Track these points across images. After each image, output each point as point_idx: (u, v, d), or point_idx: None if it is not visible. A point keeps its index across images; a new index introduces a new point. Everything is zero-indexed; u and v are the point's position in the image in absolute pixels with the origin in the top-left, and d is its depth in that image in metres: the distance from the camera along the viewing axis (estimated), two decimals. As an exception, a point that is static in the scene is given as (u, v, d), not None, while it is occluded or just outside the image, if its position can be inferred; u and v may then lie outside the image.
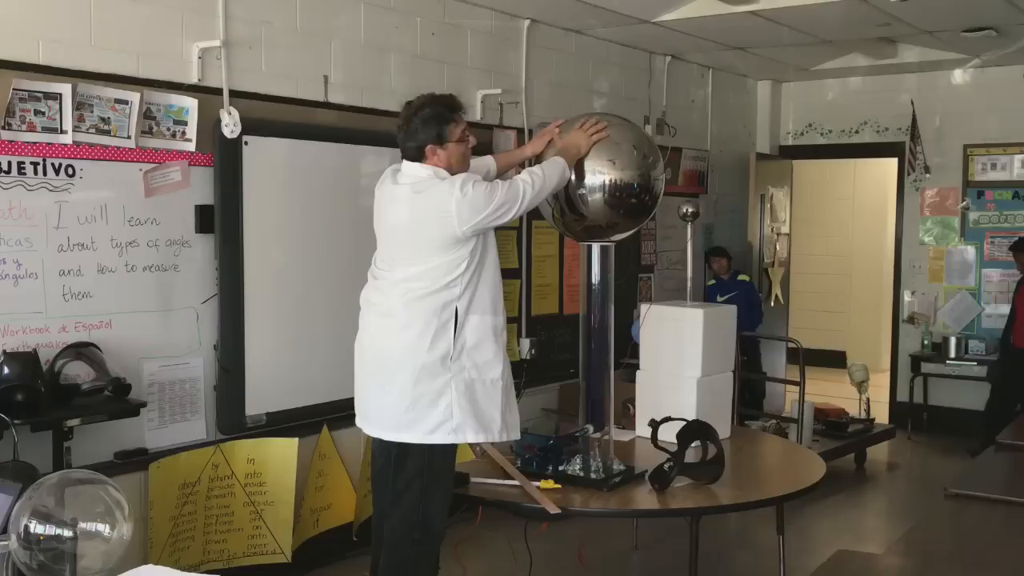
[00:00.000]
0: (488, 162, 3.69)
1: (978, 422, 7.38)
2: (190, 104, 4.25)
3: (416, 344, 3.28)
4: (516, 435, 3.51)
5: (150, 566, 2.29)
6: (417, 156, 3.36)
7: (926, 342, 8.13)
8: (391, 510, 3.38)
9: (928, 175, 8.17)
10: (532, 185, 3.38)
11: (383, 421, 3.38)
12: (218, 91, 4.36)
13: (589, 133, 3.59)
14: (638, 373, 4.38)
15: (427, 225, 3.28)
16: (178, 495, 4.18)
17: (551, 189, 3.48)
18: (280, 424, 4.59)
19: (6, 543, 2.49)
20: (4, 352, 3.64)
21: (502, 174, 3.68)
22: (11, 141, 3.71)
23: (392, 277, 3.37)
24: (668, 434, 3.65)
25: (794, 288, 9.27)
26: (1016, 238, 7.38)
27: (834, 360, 10.12)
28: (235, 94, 4.42)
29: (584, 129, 3.60)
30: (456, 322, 3.28)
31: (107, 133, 3.98)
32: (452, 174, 3.34)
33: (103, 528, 2.49)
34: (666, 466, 3.53)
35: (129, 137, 4.05)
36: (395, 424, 3.33)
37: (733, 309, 4.56)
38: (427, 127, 3.32)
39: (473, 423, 3.32)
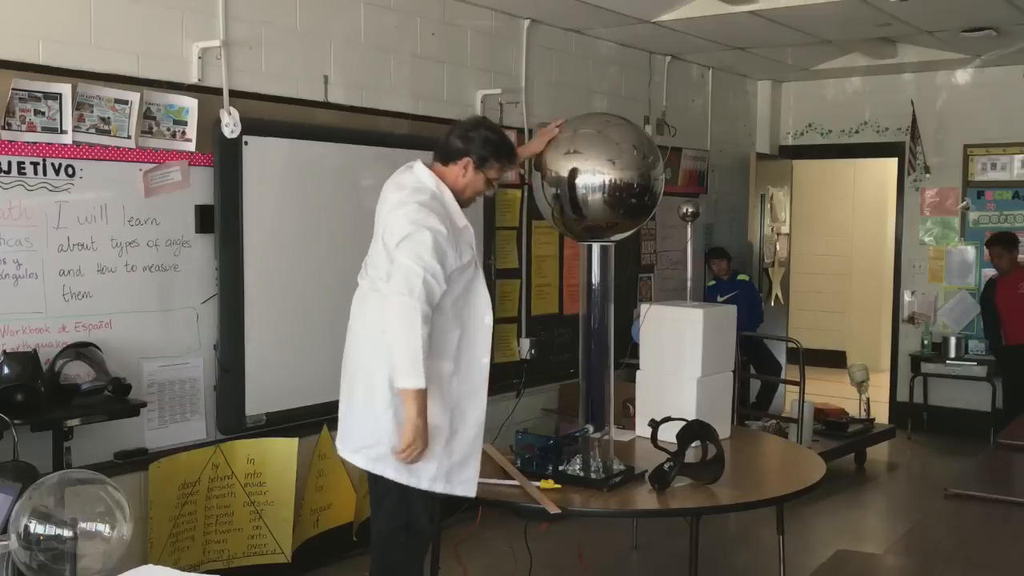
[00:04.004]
0: None
1: (981, 422, 7.43)
2: (190, 104, 4.25)
3: (371, 358, 3.23)
4: (463, 491, 3.28)
5: (150, 566, 2.29)
6: (452, 157, 3.30)
7: (926, 342, 8.12)
8: (375, 513, 3.37)
9: (928, 175, 8.18)
10: (404, 320, 3.04)
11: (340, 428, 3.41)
12: (218, 91, 4.36)
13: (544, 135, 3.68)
14: (638, 373, 4.38)
15: (387, 231, 3.19)
16: (178, 495, 4.18)
17: (402, 351, 3.07)
18: (280, 424, 4.59)
19: (6, 543, 2.49)
20: (4, 352, 3.64)
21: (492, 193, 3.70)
22: (11, 141, 3.71)
23: (367, 281, 3.32)
24: (668, 434, 3.65)
25: (794, 288, 9.27)
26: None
27: (834, 360, 10.12)
28: (235, 94, 4.42)
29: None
30: None
31: (107, 133, 3.98)
32: (460, 198, 3.30)
33: (103, 528, 2.48)
34: (666, 466, 3.53)
35: (129, 137, 4.05)
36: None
37: (733, 309, 4.56)
38: (483, 146, 3.29)
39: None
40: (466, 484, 3.29)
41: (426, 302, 3.05)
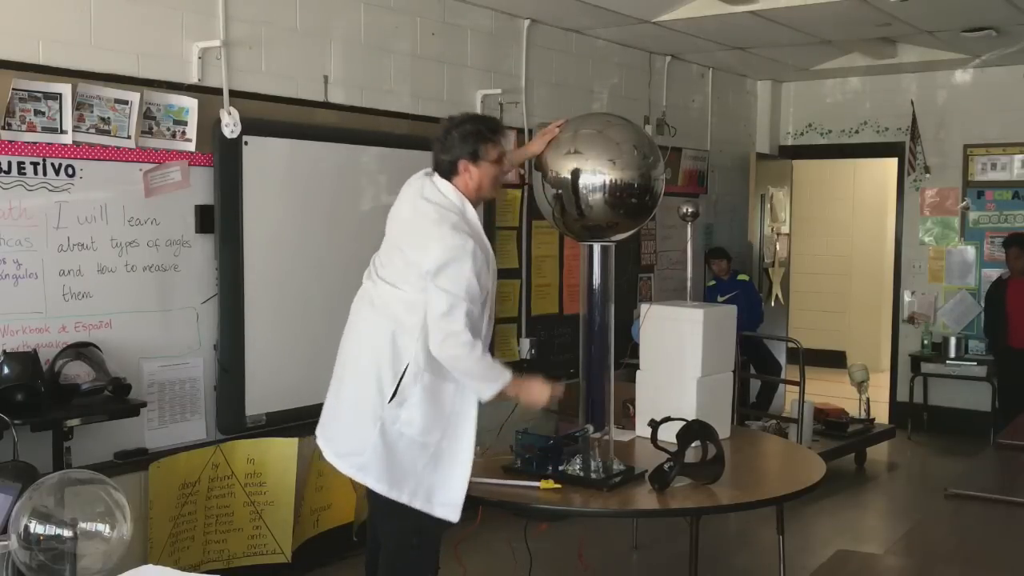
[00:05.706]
0: None
1: (981, 422, 7.43)
2: (190, 104, 4.25)
3: (365, 368, 3.20)
4: (443, 514, 3.21)
5: (150, 566, 2.29)
6: (450, 171, 3.27)
7: (926, 342, 8.12)
8: (382, 518, 3.35)
9: (928, 175, 8.18)
10: (467, 353, 3.11)
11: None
12: (218, 91, 4.36)
13: (544, 136, 3.65)
14: (638, 373, 4.38)
15: (415, 244, 3.19)
16: (178, 495, 4.18)
17: (468, 376, 3.19)
18: (280, 424, 4.58)
19: (6, 543, 2.49)
20: (4, 352, 3.64)
21: (509, 172, 3.69)
22: (11, 141, 3.71)
23: (371, 282, 3.30)
24: (668, 434, 3.64)
25: (794, 288, 9.27)
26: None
27: (834, 360, 10.12)
28: (235, 94, 4.42)
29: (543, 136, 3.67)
30: (406, 369, 3.15)
31: (107, 133, 3.98)
32: (481, 196, 3.31)
33: (103, 528, 2.49)
34: (666, 466, 3.53)
35: (129, 137, 4.05)
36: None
37: (733, 309, 4.55)
38: (464, 143, 3.25)
39: (381, 471, 3.17)
40: (447, 508, 3.22)
41: (470, 330, 3.10)
